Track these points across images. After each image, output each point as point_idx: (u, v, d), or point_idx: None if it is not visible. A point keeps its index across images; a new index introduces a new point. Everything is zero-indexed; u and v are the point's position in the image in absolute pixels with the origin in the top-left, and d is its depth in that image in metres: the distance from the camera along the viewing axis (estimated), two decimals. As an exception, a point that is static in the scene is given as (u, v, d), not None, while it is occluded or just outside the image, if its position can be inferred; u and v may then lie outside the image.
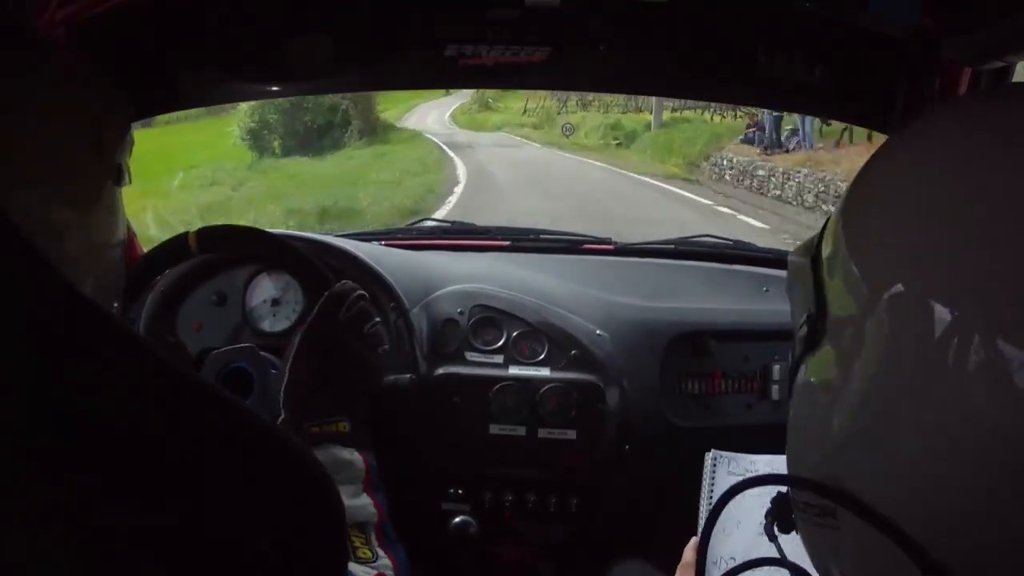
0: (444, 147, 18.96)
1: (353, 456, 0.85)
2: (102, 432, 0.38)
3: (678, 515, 0.97)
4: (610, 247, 1.68)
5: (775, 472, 0.68)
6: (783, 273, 1.69)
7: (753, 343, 1.39)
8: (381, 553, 0.79)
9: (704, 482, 0.90)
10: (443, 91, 26.94)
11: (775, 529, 0.54)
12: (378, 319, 1.04)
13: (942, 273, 0.40)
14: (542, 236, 1.73)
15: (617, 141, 18.93)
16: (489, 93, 26.11)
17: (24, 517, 0.36)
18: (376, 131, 20.20)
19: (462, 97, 30.95)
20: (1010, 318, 0.37)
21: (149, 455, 0.39)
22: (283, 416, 0.91)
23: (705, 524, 0.55)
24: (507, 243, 1.67)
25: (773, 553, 0.72)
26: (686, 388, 1.36)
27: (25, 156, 0.54)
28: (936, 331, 0.39)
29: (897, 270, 0.42)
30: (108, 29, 1.01)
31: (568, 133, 20.78)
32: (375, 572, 0.72)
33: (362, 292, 1.02)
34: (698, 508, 0.95)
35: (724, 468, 0.91)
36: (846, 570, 0.47)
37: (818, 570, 0.50)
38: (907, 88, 1.14)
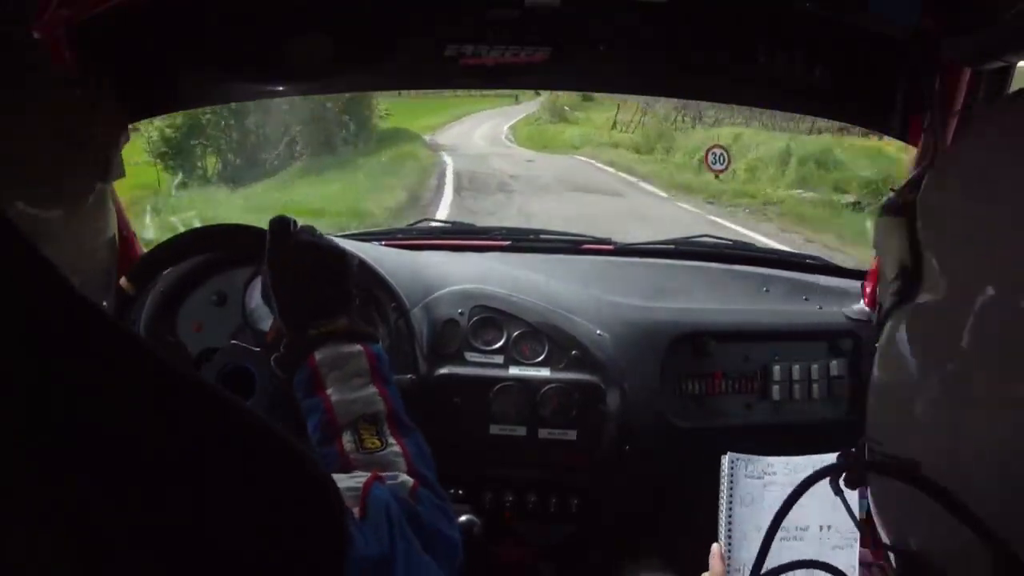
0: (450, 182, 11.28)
1: (354, 348, 0.84)
2: (102, 432, 0.38)
3: (678, 515, 0.97)
4: (610, 247, 1.68)
5: (797, 472, 0.67)
6: (783, 273, 1.70)
7: (753, 343, 1.39)
8: (392, 441, 0.78)
9: (723, 484, 0.89)
10: (511, 98, 23.03)
11: (842, 484, 0.52)
12: (320, 234, 1.02)
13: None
14: (542, 236, 1.73)
15: (854, 202, 9.06)
16: (564, 99, 19.58)
17: (24, 518, 0.36)
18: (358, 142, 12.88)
19: (532, 106, 22.89)
20: None
21: (149, 455, 0.39)
22: (286, 335, 0.90)
23: (767, 534, 0.55)
24: (507, 243, 1.67)
25: (794, 556, 0.71)
26: (686, 388, 1.36)
27: (9, 156, 0.53)
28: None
29: (990, 257, 0.41)
30: (108, 29, 1.01)
31: (720, 166, 8.72)
32: (366, 477, 0.71)
33: (294, 219, 1.00)
34: (698, 508, 0.94)
35: (742, 470, 0.90)
36: (922, 535, 0.47)
37: (892, 538, 0.50)
38: (907, 88, 1.14)
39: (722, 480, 0.90)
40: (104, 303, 0.69)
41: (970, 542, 0.40)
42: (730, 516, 0.86)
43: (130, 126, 0.76)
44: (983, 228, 0.42)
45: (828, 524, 0.82)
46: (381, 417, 0.79)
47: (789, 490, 0.53)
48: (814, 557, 0.77)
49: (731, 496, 0.88)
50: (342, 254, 0.96)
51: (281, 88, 1.33)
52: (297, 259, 0.94)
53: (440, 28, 1.15)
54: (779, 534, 0.80)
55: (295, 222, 0.96)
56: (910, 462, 0.43)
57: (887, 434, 0.49)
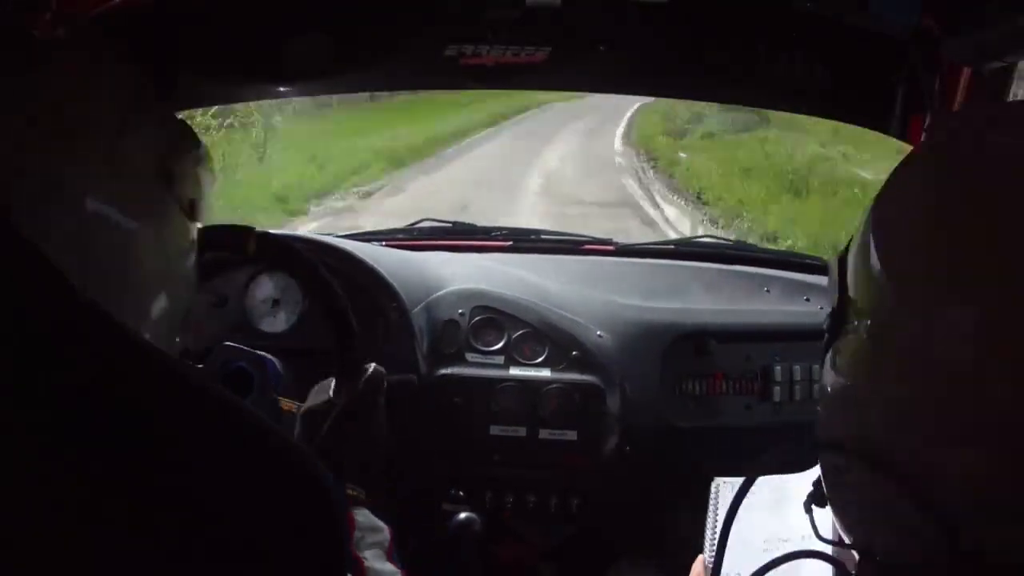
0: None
1: (382, 525, 0.87)
2: (102, 432, 0.38)
3: (679, 515, 0.97)
4: (611, 248, 1.68)
5: (782, 490, 0.69)
6: (784, 273, 1.70)
7: (754, 344, 1.39)
8: None
9: (711, 508, 0.90)
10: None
11: (812, 505, 0.57)
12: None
13: (958, 279, 0.42)
14: (543, 237, 1.73)
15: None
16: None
17: (23, 518, 0.36)
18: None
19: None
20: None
21: (149, 455, 0.39)
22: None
23: (720, 537, 0.58)
24: (508, 244, 1.67)
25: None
26: (687, 389, 1.36)
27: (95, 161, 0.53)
28: (949, 333, 0.42)
29: (917, 273, 0.45)
30: (107, 30, 1.01)
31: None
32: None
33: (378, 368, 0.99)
34: (699, 508, 0.94)
35: (728, 494, 0.90)
36: (883, 536, 0.49)
37: (847, 531, 0.53)
38: (907, 88, 1.14)
39: (710, 504, 0.90)
40: (181, 333, 0.68)
41: (922, 537, 0.43)
42: (714, 534, 0.87)
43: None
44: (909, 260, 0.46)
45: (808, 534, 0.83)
46: None
47: (773, 506, 0.57)
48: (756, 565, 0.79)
49: (716, 518, 0.88)
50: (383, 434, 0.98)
51: (281, 89, 1.33)
52: (369, 426, 0.95)
53: (440, 28, 1.15)
54: (758, 546, 0.82)
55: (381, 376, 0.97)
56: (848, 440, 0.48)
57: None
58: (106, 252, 0.52)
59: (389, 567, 0.81)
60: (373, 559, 0.80)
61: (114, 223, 0.53)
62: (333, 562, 0.47)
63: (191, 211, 0.63)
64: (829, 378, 0.55)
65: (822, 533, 0.57)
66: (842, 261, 0.52)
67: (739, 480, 0.90)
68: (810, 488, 0.58)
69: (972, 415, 0.41)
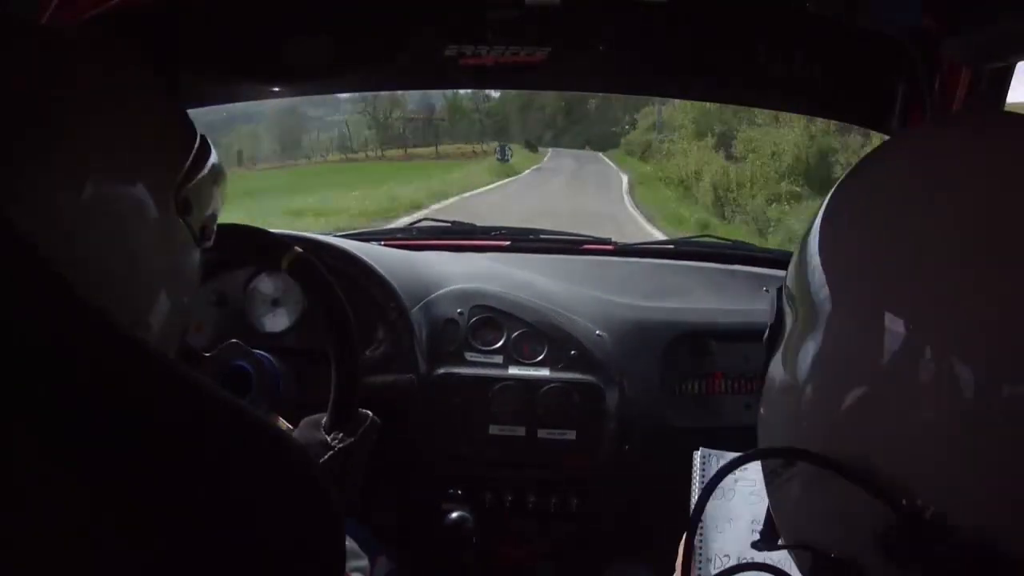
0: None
1: (360, 551, 0.88)
2: (101, 434, 0.38)
3: (678, 515, 0.97)
4: (610, 247, 1.68)
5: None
6: (783, 273, 1.70)
7: (753, 343, 1.38)
8: None
9: (695, 479, 0.90)
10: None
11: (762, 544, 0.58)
12: None
13: (897, 290, 0.43)
14: (542, 236, 1.73)
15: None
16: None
17: (23, 519, 0.36)
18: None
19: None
20: (961, 334, 0.40)
21: (149, 454, 0.39)
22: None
23: (693, 516, 0.58)
24: (507, 243, 1.67)
25: (726, 545, 0.74)
26: (686, 388, 1.36)
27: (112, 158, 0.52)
28: (888, 345, 0.42)
29: (851, 285, 0.46)
30: (107, 31, 1.01)
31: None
32: None
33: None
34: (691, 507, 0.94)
35: (714, 465, 0.91)
36: (817, 531, 0.50)
37: (789, 538, 0.54)
38: (907, 88, 1.14)
39: (694, 475, 0.90)
40: (191, 312, 0.67)
41: (858, 531, 0.44)
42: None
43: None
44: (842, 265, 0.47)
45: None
46: None
47: (760, 485, 0.58)
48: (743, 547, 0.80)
49: (697, 489, 0.88)
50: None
51: (281, 88, 1.33)
52: (356, 470, 0.96)
53: (440, 28, 1.15)
54: (746, 527, 0.82)
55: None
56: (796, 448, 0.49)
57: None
58: (108, 249, 0.52)
59: None
60: None
61: (118, 220, 0.53)
62: (332, 560, 0.47)
63: (202, 236, 0.62)
64: (772, 375, 0.57)
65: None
66: (785, 277, 0.54)
67: (723, 453, 0.91)
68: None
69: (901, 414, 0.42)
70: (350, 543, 0.86)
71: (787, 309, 0.53)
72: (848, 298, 0.45)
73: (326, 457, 0.91)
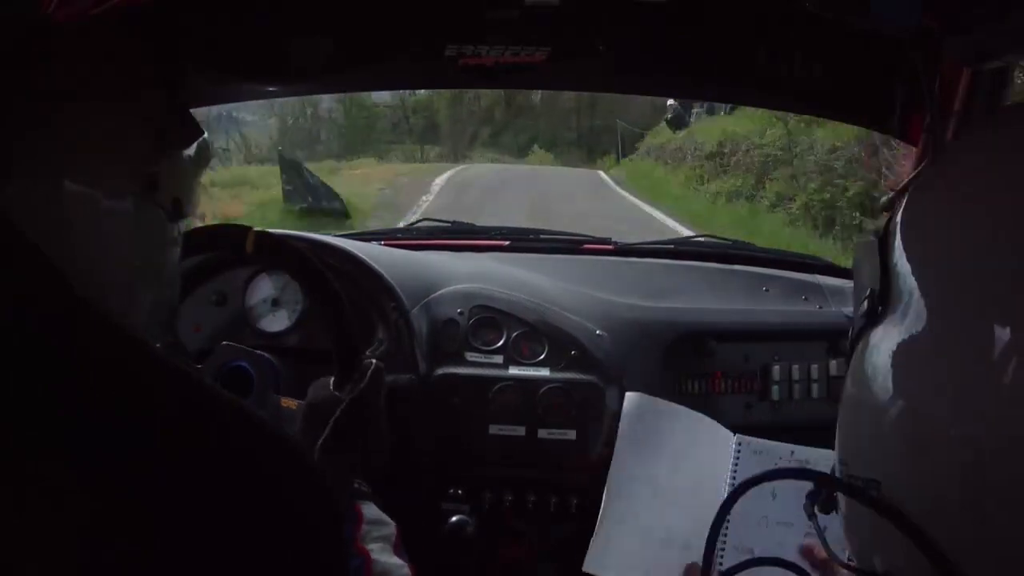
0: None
1: (388, 520, 0.87)
2: (101, 431, 0.38)
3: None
4: (610, 247, 1.68)
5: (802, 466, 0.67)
6: (783, 273, 1.70)
7: (753, 343, 1.39)
8: None
9: (728, 466, 0.89)
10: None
11: (815, 509, 0.54)
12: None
13: (1007, 291, 0.39)
14: (542, 236, 1.73)
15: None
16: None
17: (23, 517, 0.36)
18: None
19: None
20: None
21: (149, 453, 0.39)
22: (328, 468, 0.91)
23: (719, 512, 0.55)
24: (507, 243, 1.67)
25: (788, 547, 0.72)
26: (686, 388, 1.36)
27: (82, 155, 0.52)
28: (995, 348, 0.38)
29: (962, 281, 0.41)
30: (106, 29, 1.01)
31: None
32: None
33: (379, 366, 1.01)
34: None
35: (750, 453, 0.90)
36: (886, 558, 0.48)
37: (857, 557, 0.51)
38: (907, 88, 1.14)
39: (731, 461, 0.88)
40: (163, 334, 0.68)
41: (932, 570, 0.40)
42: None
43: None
44: (957, 251, 0.42)
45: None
46: None
47: (796, 480, 0.54)
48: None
49: (735, 477, 0.87)
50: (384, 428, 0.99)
51: (280, 88, 1.33)
52: (370, 416, 0.96)
53: (440, 28, 1.15)
54: (770, 520, 0.81)
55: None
56: (880, 493, 0.44)
57: (857, 456, 0.49)
58: (85, 246, 0.52)
59: (396, 560, 0.82)
60: (379, 552, 0.81)
61: (95, 217, 0.53)
62: (333, 557, 0.47)
63: (173, 210, 0.62)
64: (855, 378, 0.50)
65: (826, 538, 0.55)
66: (884, 242, 0.49)
67: (762, 442, 0.89)
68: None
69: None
70: (375, 510, 0.86)
71: (899, 280, 0.47)
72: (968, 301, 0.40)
73: (340, 410, 0.91)
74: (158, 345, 0.64)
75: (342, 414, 0.92)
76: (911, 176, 1.13)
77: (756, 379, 1.37)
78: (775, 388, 1.36)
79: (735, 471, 0.88)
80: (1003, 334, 0.38)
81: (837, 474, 0.51)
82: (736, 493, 0.52)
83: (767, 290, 1.50)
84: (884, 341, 0.47)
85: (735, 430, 1.37)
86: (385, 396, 1.01)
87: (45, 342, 0.38)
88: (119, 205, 0.55)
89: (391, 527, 0.86)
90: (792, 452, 0.87)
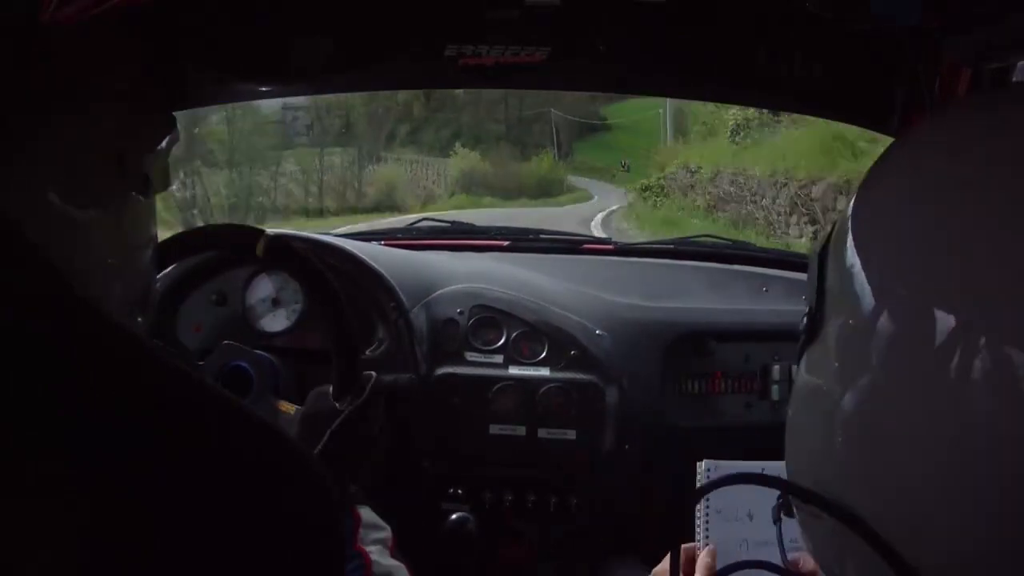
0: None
1: (383, 524, 0.88)
2: (101, 431, 0.38)
3: (678, 515, 0.97)
4: (610, 247, 1.68)
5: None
6: (783, 273, 1.70)
7: (753, 343, 1.39)
8: None
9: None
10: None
11: (780, 514, 0.55)
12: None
13: (947, 277, 0.39)
14: (542, 236, 1.73)
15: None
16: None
17: (22, 518, 0.36)
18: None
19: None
20: (1016, 323, 0.36)
21: (149, 453, 0.39)
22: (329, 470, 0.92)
23: (687, 523, 0.56)
24: (507, 243, 1.67)
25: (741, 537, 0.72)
26: (686, 388, 1.36)
27: (45, 156, 0.53)
28: (938, 336, 0.38)
29: (900, 273, 0.41)
30: (106, 30, 1.01)
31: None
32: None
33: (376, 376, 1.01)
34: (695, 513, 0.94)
35: (720, 476, 0.90)
36: (848, 568, 0.48)
37: (822, 567, 0.51)
38: (907, 88, 1.14)
39: (700, 485, 0.90)
40: (141, 312, 0.68)
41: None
42: (708, 524, 0.87)
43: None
44: (886, 259, 0.43)
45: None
46: None
47: (767, 495, 0.54)
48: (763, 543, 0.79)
49: (708, 505, 0.88)
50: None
51: (280, 88, 1.33)
52: (370, 431, 0.97)
53: (440, 28, 1.15)
54: (750, 542, 0.81)
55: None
56: (842, 503, 0.44)
57: (803, 469, 0.50)
58: (59, 241, 0.52)
59: (394, 562, 0.82)
60: (377, 555, 0.81)
61: (68, 211, 0.53)
62: (332, 557, 0.47)
63: (144, 186, 0.62)
64: (799, 391, 0.51)
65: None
66: (822, 254, 0.49)
67: (728, 462, 0.90)
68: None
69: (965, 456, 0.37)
70: (372, 514, 0.87)
71: (828, 299, 0.47)
72: (899, 293, 0.41)
73: (338, 422, 0.91)
74: (158, 343, 0.65)
75: (339, 427, 0.92)
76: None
77: (756, 379, 1.37)
78: (775, 388, 1.36)
79: (707, 498, 0.88)
80: (945, 331, 0.38)
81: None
82: (701, 492, 0.52)
83: (767, 290, 1.50)
84: (823, 356, 0.47)
85: (735, 430, 1.37)
86: (384, 406, 1.02)
87: (45, 342, 0.38)
88: (105, 194, 0.56)
89: (387, 531, 0.86)
90: (763, 468, 0.88)
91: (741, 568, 0.59)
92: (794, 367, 1.45)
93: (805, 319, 0.50)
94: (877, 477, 0.42)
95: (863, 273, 0.43)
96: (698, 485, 0.89)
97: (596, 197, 15.03)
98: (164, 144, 0.64)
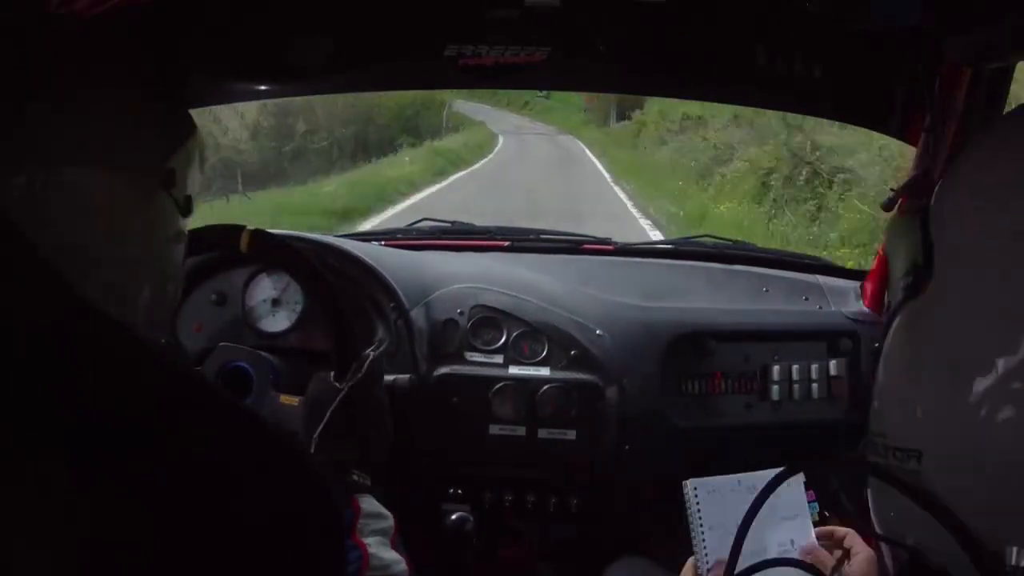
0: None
1: (387, 513, 0.87)
2: (101, 431, 0.38)
3: (678, 515, 0.97)
4: (610, 247, 1.68)
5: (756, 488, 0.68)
6: (783, 273, 1.69)
7: (753, 343, 1.39)
8: None
9: (691, 511, 0.90)
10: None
11: (842, 490, 0.55)
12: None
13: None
14: (542, 236, 1.73)
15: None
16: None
17: (22, 518, 0.36)
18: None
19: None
20: None
21: (149, 454, 0.39)
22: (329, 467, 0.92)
23: (743, 521, 0.57)
24: (507, 243, 1.67)
25: (776, 552, 0.72)
26: (686, 388, 1.36)
27: (95, 141, 0.53)
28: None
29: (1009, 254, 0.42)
30: (108, 28, 1.01)
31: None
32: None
33: (377, 357, 1.00)
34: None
35: (706, 493, 0.91)
36: (916, 535, 0.48)
37: (887, 533, 0.51)
38: (907, 88, 1.14)
39: (688, 506, 0.90)
40: (172, 306, 0.68)
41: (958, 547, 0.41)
42: (704, 540, 0.87)
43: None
44: (992, 235, 0.43)
45: (790, 540, 0.84)
46: None
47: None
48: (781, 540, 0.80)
49: (701, 520, 0.88)
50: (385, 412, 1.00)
51: (280, 88, 1.33)
52: (370, 405, 0.96)
53: (439, 28, 1.15)
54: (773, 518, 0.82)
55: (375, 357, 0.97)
56: (908, 475, 0.45)
57: (890, 431, 0.50)
58: (93, 238, 0.52)
59: (393, 555, 0.82)
60: (376, 546, 0.80)
61: (105, 209, 0.53)
62: (332, 557, 0.47)
63: (186, 207, 0.63)
64: (893, 351, 0.51)
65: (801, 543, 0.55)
66: (924, 218, 0.50)
67: (710, 479, 0.91)
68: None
69: None
70: (373, 504, 0.86)
71: (939, 252, 0.47)
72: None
73: (338, 399, 0.92)
74: (162, 341, 0.65)
75: (340, 404, 0.92)
76: (915, 176, 1.12)
77: (756, 379, 1.37)
78: (775, 388, 1.36)
79: (700, 515, 0.89)
80: None
81: (877, 447, 0.52)
82: (769, 488, 0.52)
83: (767, 290, 1.50)
84: (923, 319, 0.48)
85: (735, 430, 1.37)
86: (385, 390, 1.02)
87: (45, 342, 0.38)
88: (131, 201, 0.56)
89: (389, 520, 0.86)
90: (739, 481, 0.89)
91: (762, 568, 0.59)
92: (794, 367, 1.45)
93: (910, 276, 0.50)
94: (970, 444, 0.42)
95: (987, 222, 0.44)
96: (687, 504, 0.89)
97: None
98: (188, 144, 0.64)
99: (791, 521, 0.85)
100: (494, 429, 1.27)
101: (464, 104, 22.91)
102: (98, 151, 0.53)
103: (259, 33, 1.12)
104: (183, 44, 1.11)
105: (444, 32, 1.15)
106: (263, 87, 1.29)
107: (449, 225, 1.78)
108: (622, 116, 20.28)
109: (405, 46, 1.17)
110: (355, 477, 0.89)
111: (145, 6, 1.02)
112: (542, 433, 1.27)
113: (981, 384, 0.41)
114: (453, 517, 1.24)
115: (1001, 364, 0.41)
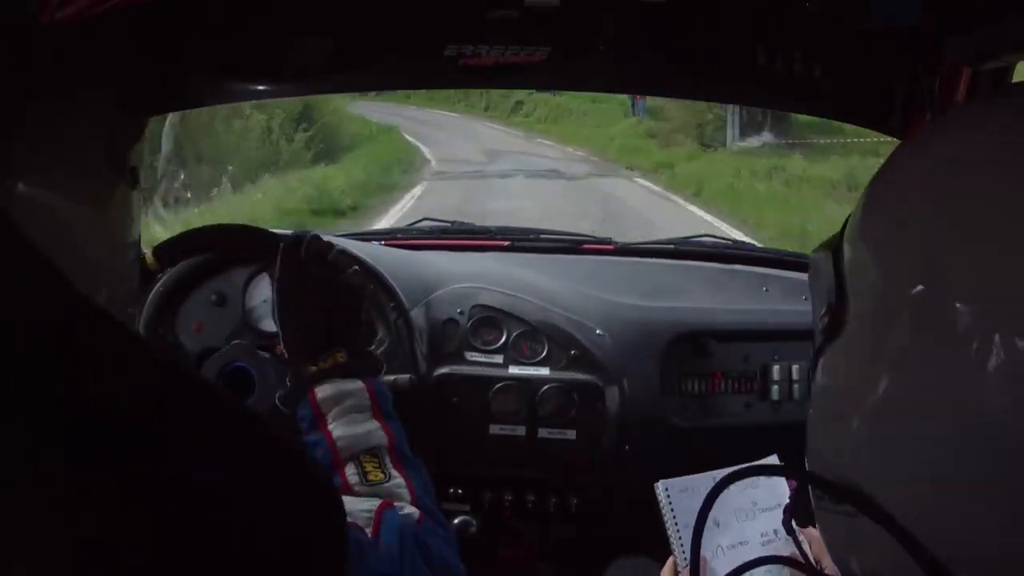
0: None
1: (355, 385, 0.84)
2: (101, 431, 0.38)
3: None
4: (610, 247, 1.68)
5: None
6: (783, 273, 1.69)
7: (753, 343, 1.39)
8: (395, 473, 0.79)
9: (665, 512, 0.90)
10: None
11: (793, 523, 0.55)
12: (338, 249, 0.99)
13: (963, 272, 0.39)
14: (542, 236, 1.73)
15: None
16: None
17: (23, 518, 0.36)
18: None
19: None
20: None
21: (149, 453, 0.39)
22: (290, 370, 0.89)
23: (697, 521, 0.56)
24: (507, 243, 1.67)
25: (759, 543, 0.72)
26: (686, 388, 1.36)
27: (35, 150, 0.53)
28: (956, 330, 0.38)
29: (917, 268, 0.41)
30: (107, 30, 1.01)
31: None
32: (378, 502, 0.72)
33: (315, 234, 0.98)
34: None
35: (678, 492, 0.91)
36: (863, 560, 0.48)
37: (835, 560, 0.51)
38: (907, 88, 1.14)
39: (662, 507, 0.90)
40: (128, 307, 0.68)
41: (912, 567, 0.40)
42: (681, 540, 0.88)
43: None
44: (914, 258, 0.42)
45: (772, 529, 0.84)
46: (383, 451, 0.80)
47: (728, 502, 0.54)
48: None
49: (676, 521, 0.89)
50: (353, 286, 0.96)
51: (280, 88, 1.33)
52: (305, 291, 0.92)
53: (439, 28, 1.15)
54: (736, 516, 0.82)
55: (309, 240, 0.94)
56: (856, 489, 0.44)
57: (827, 462, 0.50)
58: (46, 240, 0.52)
59: (371, 424, 0.81)
60: (352, 424, 0.80)
61: (57, 211, 0.53)
62: (333, 561, 0.47)
63: (132, 179, 0.63)
64: (819, 390, 0.52)
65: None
66: (836, 255, 0.49)
67: (680, 479, 0.91)
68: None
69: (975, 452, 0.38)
70: (338, 385, 0.84)
71: (851, 295, 0.47)
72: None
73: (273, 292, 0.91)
74: (159, 343, 0.65)
75: (279, 301, 0.91)
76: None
77: (756, 379, 1.37)
78: (775, 388, 1.36)
79: (674, 515, 0.89)
80: (973, 331, 0.38)
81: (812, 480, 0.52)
82: (719, 488, 0.53)
83: (767, 290, 1.50)
84: (845, 354, 0.47)
85: (735, 430, 1.37)
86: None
87: (45, 341, 0.38)
88: (99, 188, 0.56)
89: (361, 393, 0.84)
90: (713, 478, 0.90)
91: (754, 567, 0.59)
92: (794, 367, 1.46)
93: (825, 318, 0.50)
94: (903, 470, 0.42)
95: (887, 267, 0.43)
96: (660, 506, 0.89)
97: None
98: (144, 135, 0.65)
99: (773, 511, 0.86)
100: (494, 429, 1.28)
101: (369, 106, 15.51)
102: (61, 159, 0.53)
103: (259, 33, 1.12)
104: (183, 44, 1.11)
105: (444, 32, 1.15)
106: (263, 87, 1.29)
107: (449, 225, 1.78)
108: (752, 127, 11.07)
109: (405, 46, 1.17)
110: (313, 368, 0.85)
111: (145, 6, 1.02)
112: (542, 433, 1.27)
113: (910, 411, 0.41)
114: (457, 521, 1.25)
115: (929, 400, 0.40)
